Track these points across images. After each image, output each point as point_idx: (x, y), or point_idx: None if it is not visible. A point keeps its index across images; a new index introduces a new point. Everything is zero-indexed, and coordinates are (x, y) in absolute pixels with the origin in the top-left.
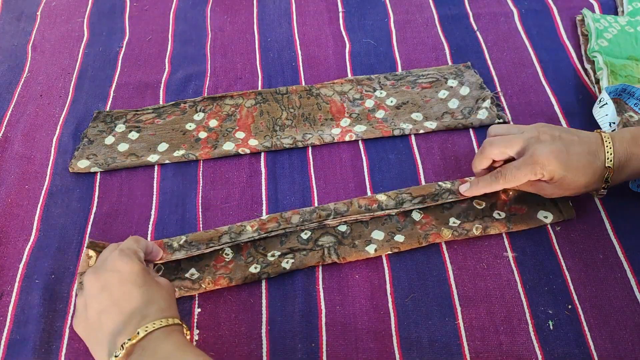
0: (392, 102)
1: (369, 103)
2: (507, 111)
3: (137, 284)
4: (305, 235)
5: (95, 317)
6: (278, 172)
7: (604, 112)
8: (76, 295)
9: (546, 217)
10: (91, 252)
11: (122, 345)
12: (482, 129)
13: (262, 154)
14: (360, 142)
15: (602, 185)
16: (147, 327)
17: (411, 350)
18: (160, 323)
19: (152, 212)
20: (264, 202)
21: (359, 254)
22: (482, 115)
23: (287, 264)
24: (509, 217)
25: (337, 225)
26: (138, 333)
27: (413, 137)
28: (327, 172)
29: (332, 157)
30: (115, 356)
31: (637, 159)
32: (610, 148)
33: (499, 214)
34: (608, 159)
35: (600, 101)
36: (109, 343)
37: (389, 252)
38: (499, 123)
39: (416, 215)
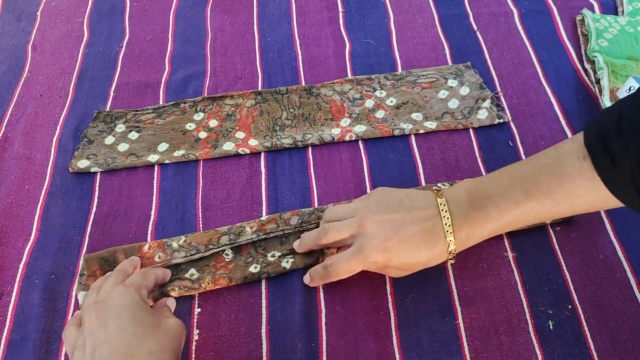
0: (392, 102)
1: (369, 103)
2: (507, 111)
3: (133, 322)
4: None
5: (90, 354)
6: (278, 172)
7: None
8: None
9: None
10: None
11: None
12: (482, 129)
13: (262, 154)
14: (360, 142)
15: (448, 257)
16: None
17: (411, 350)
18: None
19: (152, 212)
20: (264, 202)
21: None
22: (482, 115)
23: (287, 263)
24: None
25: None
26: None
27: (413, 137)
28: (327, 172)
29: (332, 157)
30: None
31: (482, 226)
32: (448, 218)
33: None
34: (448, 231)
35: (630, 89)
36: None
37: None
38: (499, 123)
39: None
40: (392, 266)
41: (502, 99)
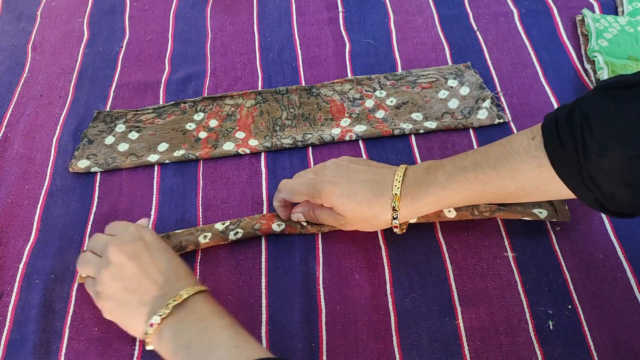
0: (392, 102)
1: (369, 103)
2: (507, 111)
3: (162, 250)
4: (304, 223)
5: (127, 285)
6: (278, 172)
7: None
8: (85, 283)
9: (541, 212)
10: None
11: (166, 305)
12: (482, 129)
13: (262, 154)
14: (360, 142)
15: (392, 215)
16: (189, 290)
17: (411, 350)
18: (199, 287)
19: (152, 212)
20: (265, 202)
21: None
22: (482, 115)
23: (278, 227)
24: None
25: None
26: (181, 295)
27: (413, 137)
28: None
29: (333, 157)
30: (160, 315)
31: (428, 187)
32: (400, 176)
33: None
34: (395, 185)
35: None
36: (148, 306)
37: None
38: (499, 123)
39: None
40: (336, 204)
41: (502, 99)
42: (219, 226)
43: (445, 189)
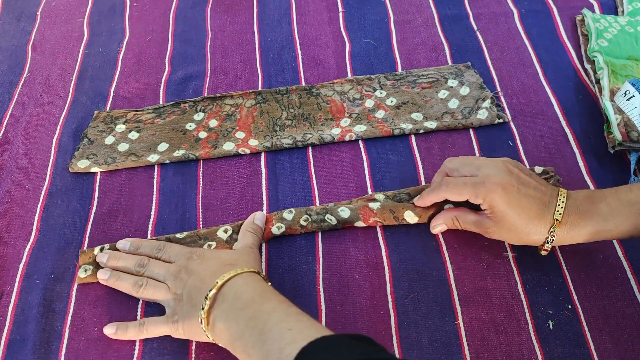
0: (392, 102)
1: (369, 103)
2: (507, 111)
3: (212, 255)
4: (304, 222)
5: (186, 292)
6: (278, 172)
7: (633, 105)
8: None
9: None
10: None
11: (205, 297)
12: (482, 129)
13: (262, 154)
14: (360, 142)
15: (546, 238)
16: (224, 276)
17: (411, 350)
18: (235, 271)
19: (152, 212)
20: (265, 202)
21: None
22: (482, 115)
23: (278, 229)
24: None
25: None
26: (217, 282)
27: (413, 137)
28: (327, 172)
29: (333, 157)
30: (203, 309)
31: (590, 218)
32: (563, 202)
33: None
34: (558, 211)
35: (626, 94)
36: (198, 303)
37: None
38: (499, 123)
39: (411, 218)
40: (496, 214)
41: (502, 98)
42: (222, 235)
43: (607, 221)
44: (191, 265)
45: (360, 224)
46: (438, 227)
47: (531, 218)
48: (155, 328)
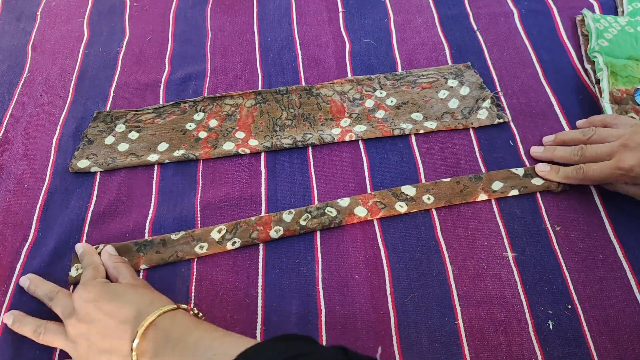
0: (392, 102)
1: (369, 103)
2: (507, 111)
3: (116, 296)
4: (304, 221)
5: (99, 340)
6: (278, 172)
7: None
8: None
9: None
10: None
11: (136, 333)
12: (482, 129)
13: (262, 154)
14: (360, 142)
15: None
16: (154, 313)
17: (411, 350)
18: (157, 312)
19: (150, 211)
20: (264, 202)
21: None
22: (482, 115)
23: (276, 233)
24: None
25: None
26: (143, 324)
27: (413, 137)
28: (327, 172)
29: (333, 157)
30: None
31: None
32: None
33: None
34: None
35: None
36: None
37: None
38: (499, 123)
39: (408, 190)
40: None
41: (502, 98)
42: (215, 235)
43: None
44: (89, 308)
45: (361, 209)
46: (541, 167)
47: None
48: (53, 338)
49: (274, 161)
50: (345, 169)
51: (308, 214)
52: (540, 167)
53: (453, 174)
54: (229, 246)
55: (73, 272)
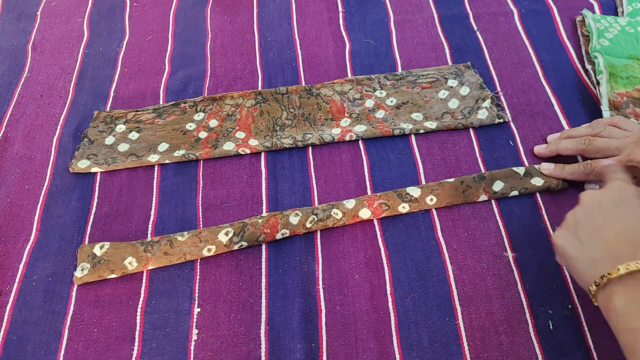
0: (392, 102)
1: (369, 103)
2: (507, 111)
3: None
4: (310, 223)
5: (589, 232)
6: (278, 172)
7: None
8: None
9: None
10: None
11: (601, 277)
12: (482, 129)
13: (263, 154)
14: (360, 142)
15: None
16: (629, 265)
17: (411, 350)
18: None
19: (152, 212)
20: (264, 201)
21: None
22: (482, 115)
23: (282, 235)
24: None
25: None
26: (618, 269)
27: (413, 137)
28: (327, 172)
29: (333, 157)
30: (595, 285)
31: None
32: None
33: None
34: None
35: None
36: (592, 268)
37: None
38: (499, 123)
39: (413, 191)
40: None
41: (502, 98)
42: (222, 237)
43: None
44: (620, 195)
45: (365, 211)
46: (545, 165)
47: None
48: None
49: (274, 161)
50: (345, 168)
51: (314, 216)
52: (545, 166)
53: (453, 174)
54: (236, 248)
55: (78, 273)
